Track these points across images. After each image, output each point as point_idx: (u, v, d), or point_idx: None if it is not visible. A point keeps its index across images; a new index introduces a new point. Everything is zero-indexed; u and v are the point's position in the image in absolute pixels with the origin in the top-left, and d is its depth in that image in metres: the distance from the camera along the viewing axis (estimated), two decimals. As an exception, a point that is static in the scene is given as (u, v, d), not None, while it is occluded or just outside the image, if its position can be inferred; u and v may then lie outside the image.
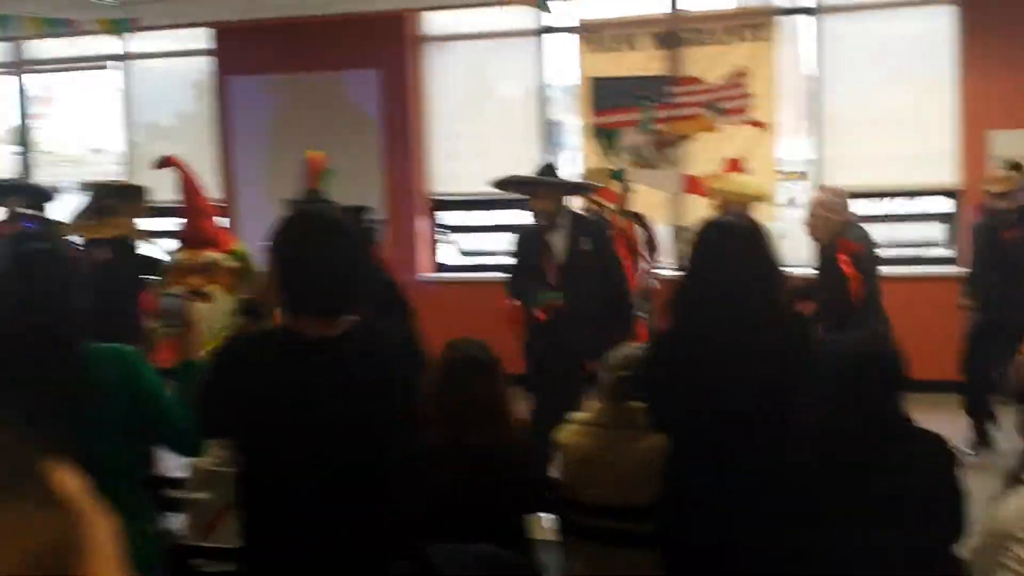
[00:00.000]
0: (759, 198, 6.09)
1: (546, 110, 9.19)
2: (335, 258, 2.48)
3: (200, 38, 9.71)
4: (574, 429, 3.64)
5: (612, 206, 7.13)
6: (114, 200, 5.94)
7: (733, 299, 3.16)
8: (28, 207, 6.52)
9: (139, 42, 9.76)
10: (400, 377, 2.58)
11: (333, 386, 2.43)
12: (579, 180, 7.70)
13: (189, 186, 5.33)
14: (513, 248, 6.29)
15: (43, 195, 6.92)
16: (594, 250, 5.94)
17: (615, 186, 7.37)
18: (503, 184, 6.41)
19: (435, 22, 9.35)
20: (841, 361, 3.30)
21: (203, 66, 9.85)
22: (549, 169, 6.30)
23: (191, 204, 5.24)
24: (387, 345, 2.61)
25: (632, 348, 3.67)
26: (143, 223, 6.15)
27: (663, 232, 8.26)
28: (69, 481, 0.56)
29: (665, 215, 8.55)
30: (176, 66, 10.17)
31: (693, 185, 8.46)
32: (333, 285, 2.48)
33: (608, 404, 3.57)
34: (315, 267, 2.47)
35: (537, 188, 6.04)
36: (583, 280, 5.81)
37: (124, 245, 5.90)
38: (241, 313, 3.15)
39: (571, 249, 5.86)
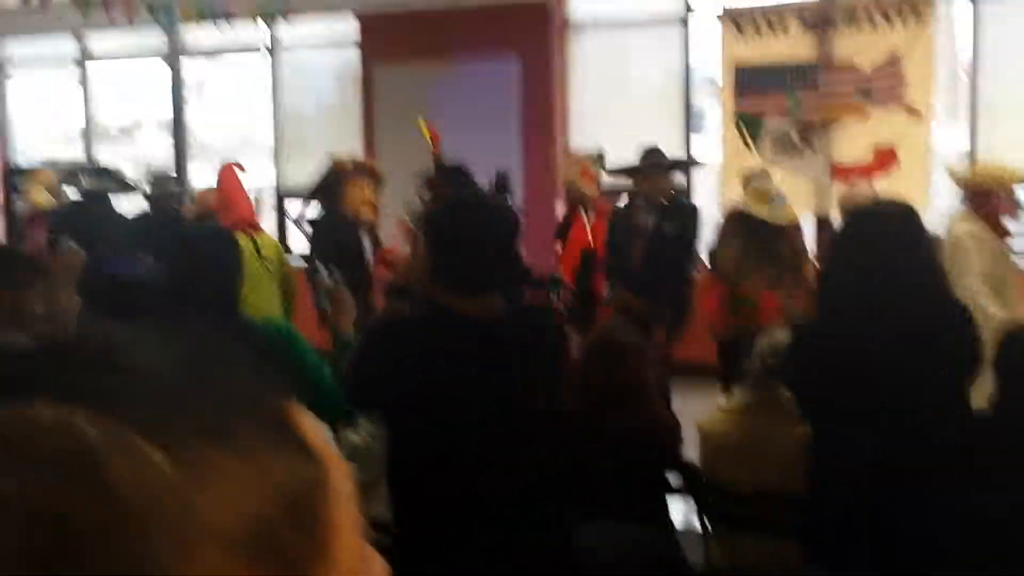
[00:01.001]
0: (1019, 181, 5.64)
1: (689, 97, 9.06)
2: (491, 239, 2.50)
3: (347, 29, 9.91)
4: (719, 416, 3.58)
5: (588, 188, 7.14)
6: None
7: (884, 287, 3.05)
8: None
9: (287, 32, 10.03)
10: (556, 359, 2.59)
11: (495, 364, 2.44)
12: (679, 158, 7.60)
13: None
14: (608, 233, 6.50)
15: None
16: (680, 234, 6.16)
17: (595, 170, 7.34)
18: (617, 171, 6.77)
19: (578, 8, 9.32)
20: (1001, 349, 3.16)
21: (349, 56, 10.06)
22: (655, 153, 6.48)
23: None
24: (544, 326, 2.62)
25: (781, 335, 3.58)
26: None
27: (806, 223, 8.04)
28: (310, 425, 0.57)
29: (810, 203, 8.32)
30: (322, 56, 10.43)
31: (841, 173, 8.20)
32: (489, 265, 2.49)
33: (755, 391, 3.50)
34: (473, 247, 2.49)
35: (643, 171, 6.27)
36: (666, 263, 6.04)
37: None
38: (390, 294, 3.19)
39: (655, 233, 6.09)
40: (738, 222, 5.78)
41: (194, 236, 3.25)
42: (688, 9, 8.86)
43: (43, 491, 0.47)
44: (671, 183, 6.58)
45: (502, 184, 6.06)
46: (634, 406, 3.33)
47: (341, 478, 0.57)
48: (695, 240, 6.40)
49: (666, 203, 6.33)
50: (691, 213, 6.45)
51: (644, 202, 6.33)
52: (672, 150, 8.90)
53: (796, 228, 5.64)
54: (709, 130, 9.37)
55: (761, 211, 5.20)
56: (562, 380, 2.68)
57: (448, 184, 5.06)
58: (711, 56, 8.98)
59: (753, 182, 5.90)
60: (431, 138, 5.78)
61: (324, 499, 0.54)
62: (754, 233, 5.51)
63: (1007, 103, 8.09)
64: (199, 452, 0.50)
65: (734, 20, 8.59)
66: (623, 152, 9.12)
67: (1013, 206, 5.43)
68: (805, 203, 8.22)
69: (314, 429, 0.56)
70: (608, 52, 9.37)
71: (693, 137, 9.07)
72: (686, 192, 7.23)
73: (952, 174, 5.96)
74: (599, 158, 7.35)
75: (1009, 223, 5.45)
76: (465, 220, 2.55)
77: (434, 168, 5.73)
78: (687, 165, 7.23)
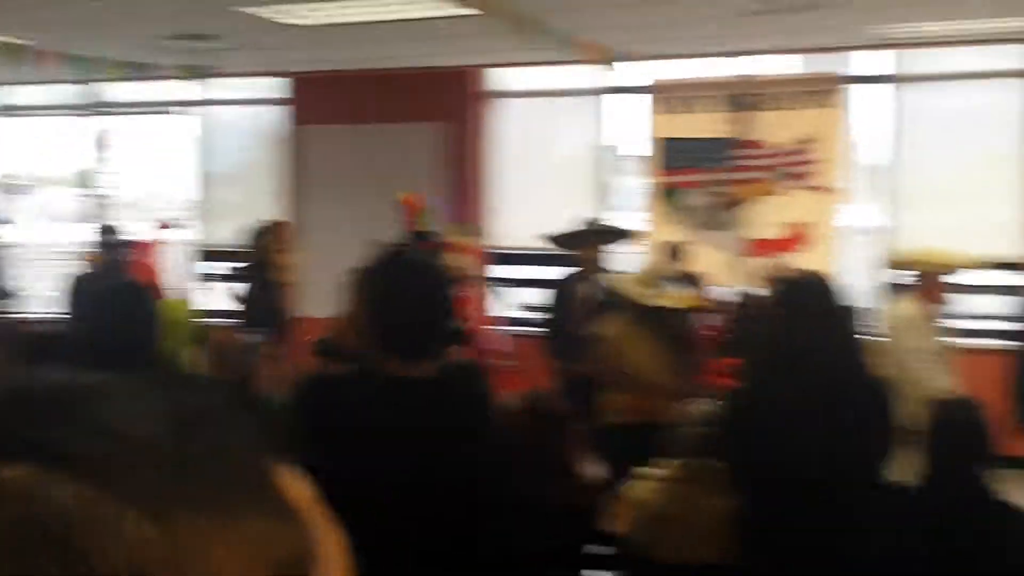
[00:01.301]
0: (961, 265, 5.97)
1: (605, 169, 9.23)
2: (429, 299, 2.47)
3: (274, 87, 9.88)
4: (648, 485, 3.58)
5: (466, 259, 7.27)
6: None
7: (811, 359, 3.11)
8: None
9: (213, 90, 9.96)
10: (482, 423, 2.56)
11: (427, 427, 2.41)
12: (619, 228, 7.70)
13: None
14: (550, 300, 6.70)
15: None
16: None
17: (468, 241, 7.43)
18: (557, 239, 6.90)
19: (501, 79, 9.46)
20: (931, 423, 3.23)
21: (275, 115, 10.02)
22: (594, 224, 6.81)
23: None
24: (479, 389, 2.59)
25: (711, 404, 3.61)
26: None
27: (724, 293, 8.20)
28: (300, 489, 0.55)
29: (726, 276, 8.50)
30: (247, 115, 10.36)
31: (756, 248, 8.41)
32: (426, 326, 2.47)
33: (686, 460, 3.51)
34: (406, 308, 2.46)
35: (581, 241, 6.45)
36: None
37: None
38: (318, 353, 3.14)
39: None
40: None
41: (108, 290, 3.15)
42: (609, 83, 9.04)
43: (5, 559, 0.44)
44: (609, 254, 6.75)
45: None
46: (556, 477, 3.31)
47: (332, 544, 0.55)
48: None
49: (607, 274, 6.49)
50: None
51: (585, 273, 6.50)
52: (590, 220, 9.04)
53: (689, 311, 5.61)
54: (630, 202, 9.53)
55: (645, 297, 5.19)
56: (491, 443, 2.65)
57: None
58: (635, 129, 9.17)
59: (646, 268, 5.77)
60: (410, 210, 5.84)
61: (314, 567, 0.52)
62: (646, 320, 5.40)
63: (918, 184, 8.41)
64: (186, 520, 0.48)
65: (657, 95, 8.81)
66: (546, 220, 9.25)
67: (947, 289, 5.75)
68: (724, 276, 8.41)
69: (302, 493, 0.54)
70: (531, 121, 9.51)
71: (614, 209, 9.20)
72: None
73: (897, 258, 6.26)
74: (472, 228, 7.41)
75: (944, 303, 5.77)
76: (399, 279, 2.52)
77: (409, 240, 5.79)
78: (625, 236, 7.34)
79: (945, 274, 5.75)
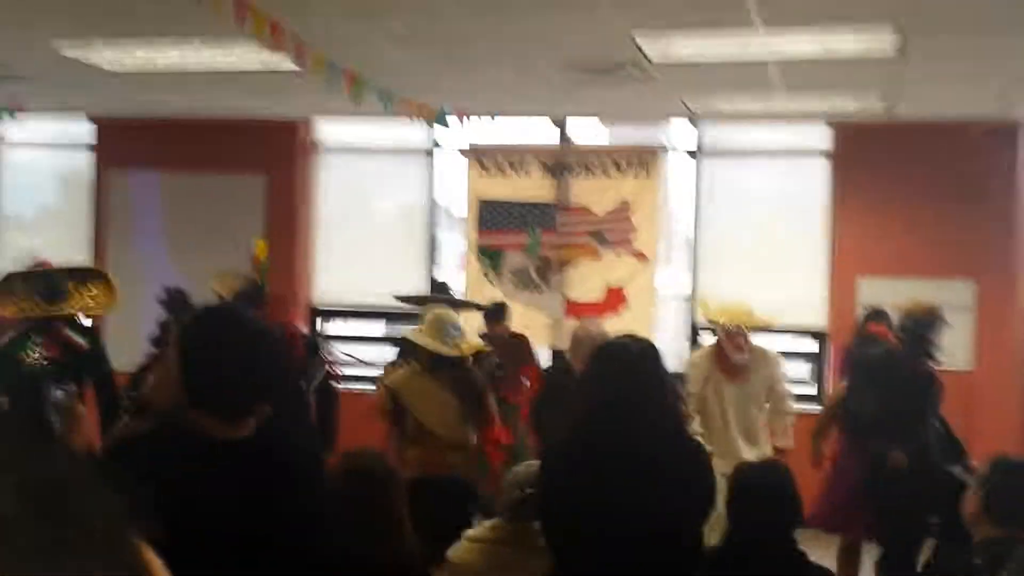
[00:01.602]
0: (758, 322, 6.31)
1: (432, 226, 9.25)
2: (246, 358, 2.37)
3: (78, 132, 9.46)
4: (468, 546, 3.54)
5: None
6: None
7: (625, 419, 3.16)
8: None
9: (13, 130, 9.47)
10: (304, 483, 2.46)
11: (237, 491, 2.29)
12: (467, 299, 7.84)
13: None
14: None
15: None
16: None
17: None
18: (404, 299, 7.15)
19: (327, 132, 9.37)
20: (735, 486, 3.32)
21: (77, 160, 9.58)
22: (443, 287, 6.63)
23: None
24: (292, 450, 2.49)
25: (534, 465, 3.61)
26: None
27: (542, 354, 8.31)
28: (157, 563, 0.53)
29: (546, 337, 8.62)
30: (46, 157, 9.88)
31: (574, 310, 8.58)
32: (242, 385, 2.36)
33: (506, 521, 3.49)
34: (225, 366, 2.35)
35: (428, 303, 6.36)
36: None
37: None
38: (128, 410, 2.97)
39: None
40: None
41: None
42: (434, 142, 9.10)
43: None
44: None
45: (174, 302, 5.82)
46: (383, 537, 3.22)
47: None
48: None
49: None
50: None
51: None
52: (414, 277, 9.03)
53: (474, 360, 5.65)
54: (450, 261, 9.58)
55: (436, 346, 5.19)
56: (312, 504, 2.55)
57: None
58: (455, 188, 9.25)
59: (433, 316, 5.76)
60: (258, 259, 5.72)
61: None
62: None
63: (724, 252, 8.79)
64: None
65: (478, 156, 8.91)
66: (371, 276, 9.17)
67: (743, 342, 6.20)
68: (542, 336, 8.52)
69: (160, 568, 0.52)
70: (355, 176, 9.45)
71: (434, 267, 9.22)
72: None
73: (704, 311, 6.63)
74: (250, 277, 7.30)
75: (737, 355, 6.18)
76: (218, 337, 2.41)
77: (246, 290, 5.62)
78: (474, 308, 7.52)
79: (739, 329, 6.15)
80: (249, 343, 2.37)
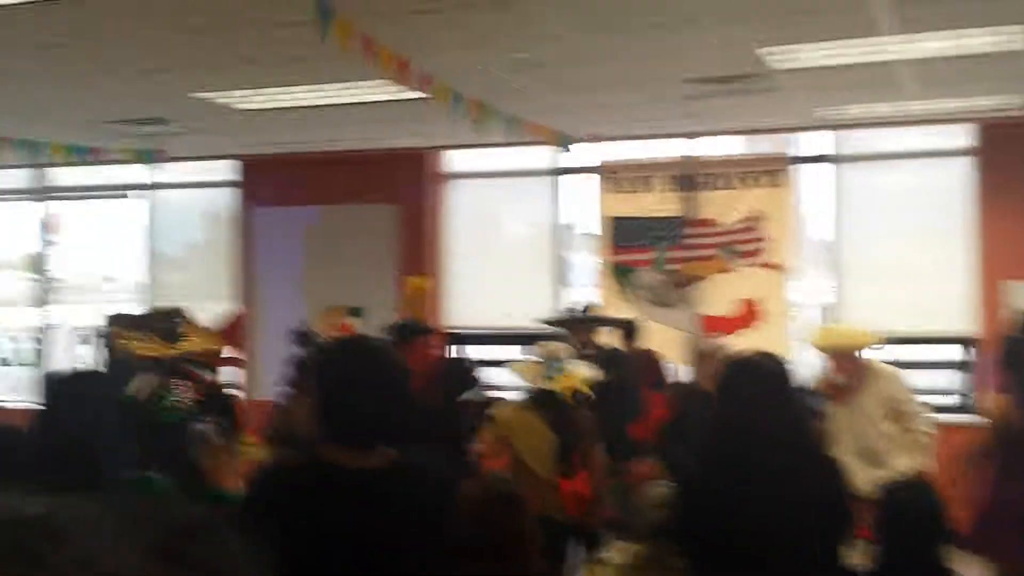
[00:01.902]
0: (866, 343, 6.09)
1: (560, 247, 9.29)
2: (377, 389, 2.43)
3: (223, 170, 9.86)
4: (605, 570, 3.54)
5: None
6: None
7: (761, 441, 3.11)
8: None
9: (163, 172, 9.93)
10: (438, 513, 2.51)
11: (370, 520, 2.36)
12: (614, 317, 7.84)
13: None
14: None
15: None
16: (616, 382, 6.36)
17: (353, 322, 7.31)
18: (550, 322, 7.33)
19: (454, 160, 9.53)
20: (881, 507, 3.23)
21: (224, 197, 9.99)
22: (586, 308, 7.18)
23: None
24: (427, 479, 2.54)
25: (665, 487, 3.59)
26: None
27: (675, 371, 8.22)
28: None
29: (679, 354, 8.52)
30: (196, 196, 10.33)
31: (708, 325, 8.45)
32: (376, 417, 2.42)
33: (644, 544, 3.48)
34: (356, 398, 2.41)
35: (575, 324, 6.81)
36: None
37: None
38: (269, 441, 3.07)
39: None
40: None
41: (62, 380, 3.09)
42: (560, 163, 9.15)
43: None
44: (594, 335, 6.99)
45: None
46: (513, 561, 3.24)
47: None
48: (632, 388, 6.70)
49: (594, 353, 6.66)
50: (622, 362, 6.90)
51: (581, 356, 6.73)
52: (544, 298, 9.08)
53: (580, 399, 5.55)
54: (581, 280, 9.58)
55: (533, 379, 5.14)
56: (447, 532, 2.60)
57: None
58: (584, 208, 9.27)
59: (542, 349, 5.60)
60: (415, 296, 5.96)
61: None
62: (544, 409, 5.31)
63: (866, 260, 8.55)
64: None
65: (607, 175, 8.92)
66: (502, 299, 9.26)
67: (843, 363, 5.92)
68: (676, 353, 8.43)
69: None
70: (483, 201, 9.58)
71: (565, 287, 9.26)
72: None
73: (811, 339, 6.41)
74: (356, 310, 7.39)
75: (845, 381, 5.91)
76: (353, 369, 2.48)
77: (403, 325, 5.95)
78: (617, 323, 7.63)
79: (848, 353, 5.90)
80: (381, 375, 2.43)
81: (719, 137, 8.93)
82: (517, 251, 9.48)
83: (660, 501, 3.54)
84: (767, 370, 3.27)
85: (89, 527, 0.52)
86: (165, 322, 5.98)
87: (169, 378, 5.42)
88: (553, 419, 5.08)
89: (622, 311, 8.42)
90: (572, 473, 5.08)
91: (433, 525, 2.48)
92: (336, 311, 7.01)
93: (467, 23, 5.06)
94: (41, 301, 10.53)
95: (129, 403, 4.89)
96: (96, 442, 2.74)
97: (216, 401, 5.38)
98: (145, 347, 5.67)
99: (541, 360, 5.20)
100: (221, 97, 6.73)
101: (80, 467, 2.67)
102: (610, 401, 6.31)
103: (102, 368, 6.10)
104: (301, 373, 4.96)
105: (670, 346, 8.22)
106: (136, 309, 6.52)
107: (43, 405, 2.85)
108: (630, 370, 6.79)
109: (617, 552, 3.64)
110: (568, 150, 7.81)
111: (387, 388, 2.43)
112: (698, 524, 3.17)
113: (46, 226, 10.56)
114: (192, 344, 5.80)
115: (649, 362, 7.75)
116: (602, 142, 7.98)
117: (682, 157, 8.81)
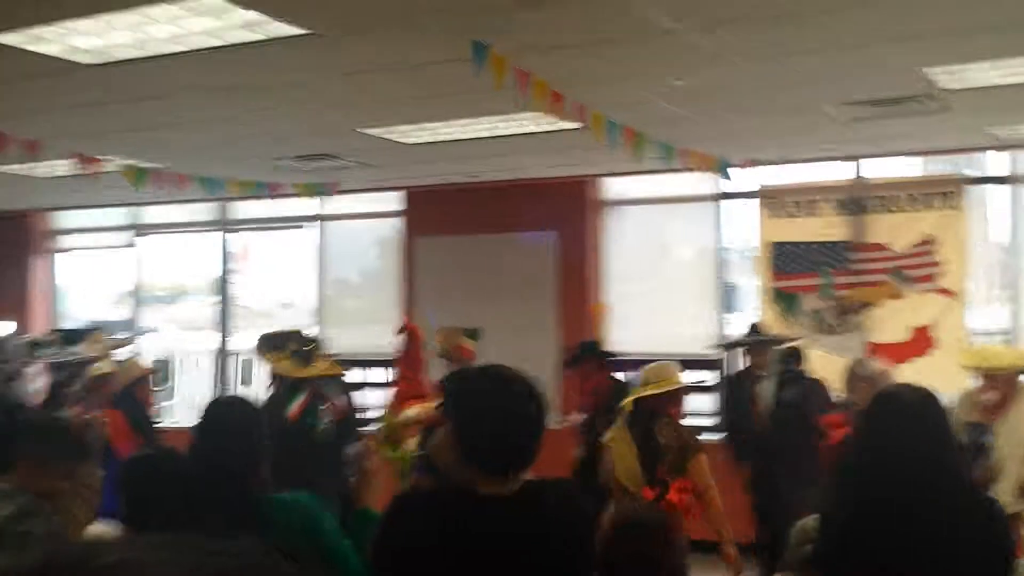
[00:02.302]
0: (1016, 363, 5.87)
1: (722, 273, 9.16)
2: (518, 417, 2.48)
3: (390, 200, 10.21)
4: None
5: (463, 358, 7.07)
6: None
7: (903, 472, 2.99)
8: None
9: (334, 203, 10.36)
10: (570, 538, 2.54)
11: (502, 545, 2.41)
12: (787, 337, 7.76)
13: (415, 348, 6.04)
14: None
15: None
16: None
17: (469, 343, 7.16)
18: (726, 345, 7.71)
19: (613, 187, 9.57)
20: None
21: (391, 226, 10.35)
22: (755, 329, 7.26)
23: (412, 363, 5.90)
24: (559, 504, 2.58)
25: (815, 520, 3.50)
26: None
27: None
28: None
29: (846, 383, 8.27)
30: (365, 226, 10.74)
31: (878, 353, 8.17)
32: (514, 444, 2.48)
33: (788, 578, 3.41)
34: (497, 426, 2.47)
35: (755, 346, 7.05)
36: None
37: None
38: (418, 469, 3.17)
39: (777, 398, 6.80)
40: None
41: (214, 405, 3.28)
42: (722, 188, 9.04)
43: None
44: (771, 355, 7.06)
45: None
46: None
47: None
48: (812, 408, 6.70)
49: (780, 373, 6.95)
50: (805, 382, 7.04)
51: (757, 375, 7.04)
52: (706, 324, 8.98)
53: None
54: (743, 306, 9.45)
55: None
56: (582, 562, 2.62)
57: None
58: (746, 234, 9.14)
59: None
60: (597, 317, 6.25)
61: None
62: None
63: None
64: None
65: (768, 199, 8.77)
66: (661, 326, 9.21)
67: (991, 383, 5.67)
68: (841, 381, 8.17)
69: None
70: (642, 228, 9.58)
71: (728, 313, 9.13)
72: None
73: (964, 360, 6.14)
74: (472, 332, 7.33)
75: (984, 395, 5.68)
76: (488, 396, 2.53)
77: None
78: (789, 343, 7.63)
79: (989, 371, 5.65)
80: (516, 403, 2.48)
81: (888, 159, 8.65)
82: (678, 277, 9.42)
83: (812, 532, 3.45)
84: (914, 400, 3.16)
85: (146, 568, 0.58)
86: (301, 343, 6.25)
87: (318, 399, 5.69)
88: (639, 433, 5.20)
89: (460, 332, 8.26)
90: (657, 484, 5.15)
91: (567, 552, 2.51)
92: (453, 332, 7.13)
93: (621, 55, 5.11)
94: (223, 326, 11.13)
95: (284, 424, 5.13)
96: (249, 462, 2.89)
97: (352, 423, 5.61)
98: (284, 367, 5.95)
99: (644, 376, 5.33)
100: (387, 133, 7.00)
101: (233, 488, 2.83)
102: (792, 422, 6.63)
103: (265, 388, 6.44)
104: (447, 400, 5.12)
105: (832, 375, 7.99)
106: (277, 329, 6.86)
107: (201, 427, 3.03)
108: (815, 391, 6.94)
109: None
110: (727, 176, 7.73)
111: (522, 417, 2.48)
112: (839, 558, 3.08)
113: (228, 255, 11.18)
114: (320, 368, 6.06)
115: (819, 387, 7.59)
116: (758, 167, 7.85)
117: (850, 180, 8.58)
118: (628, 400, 5.39)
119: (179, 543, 0.62)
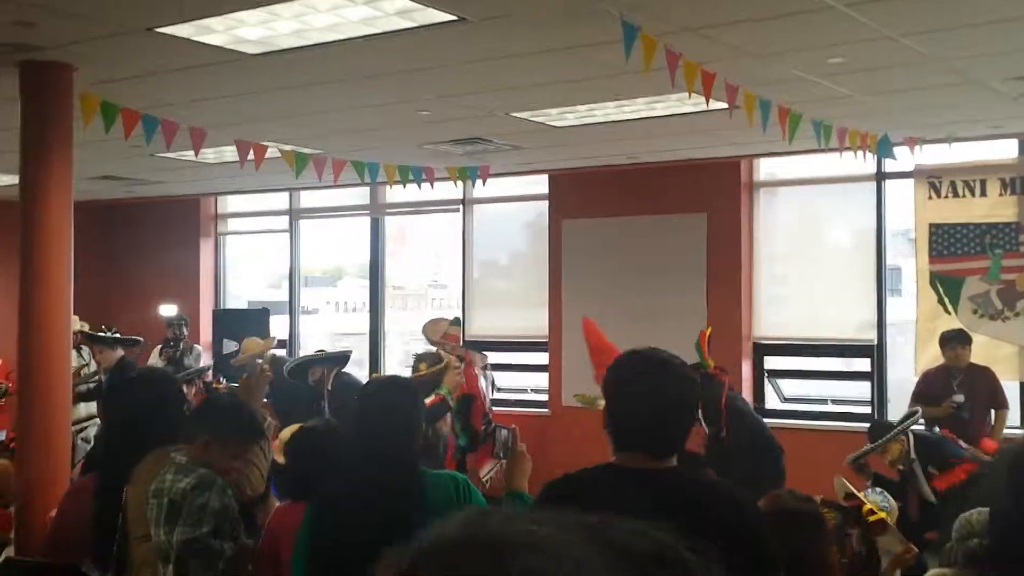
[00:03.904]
0: None
1: (881, 256, 8.84)
2: (667, 400, 2.47)
3: (535, 183, 10.26)
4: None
5: (453, 346, 7.66)
6: None
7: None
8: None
9: (480, 187, 10.49)
10: (722, 521, 2.51)
11: (659, 516, 2.41)
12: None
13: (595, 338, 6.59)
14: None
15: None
16: None
17: (454, 330, 7.94)
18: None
19: (765, 167, 9.37)
20: None
21: (536, 209, 10.40)
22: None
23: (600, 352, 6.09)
24: (710, 487, 2.56)
25: (981, 513, 3.39)
26: None
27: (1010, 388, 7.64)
28: None
29: (1013, 369, 7.91)
30: (510, 209, 10.83)
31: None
32: (657, 422, 2.48)
33: (960, 571, 3.31)
34: (648, 408, 2.47)
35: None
36: None
37: None
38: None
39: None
40: None
41: (373, 386, 3.40)
42: (881, 168, 8.73)
43: None
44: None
45: None
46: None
47: None
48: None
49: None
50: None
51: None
52: (863, 308, 8.73)
53: None
54: (903, 290, 9.13)
55: None
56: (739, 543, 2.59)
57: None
58: (903, 215, 8.81)
59: None
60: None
61: None
62: None
63: None
64: None
65: (928, 180, 8.43)
66: (814, 310, 8.99)
67: None
68: (1007, 369, 7.83)
69: None
70: (796, 209, 9.36)
71: (887, 296, 8.83)
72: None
73: None
74: (455, 320, 8.18)
75: None
76: (640, 378, 2.52)
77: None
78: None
79: None
80: (657, 378, 2.48)
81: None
82: (833, 259, 9.16)
83: (979, 526, 3.34)
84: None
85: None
86: None
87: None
88: None
89: (939, 324, 7.95)
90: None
91: (719, 536, 2.49)
92: (440, 322, 7.82)
93: (776, 33, 5.00)
94: (376, 307, 11.42)
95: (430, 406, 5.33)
96: (407, 440, 2.97)
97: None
98: None
99: None
100: (537, 116, 7.04)
101: (392, 464, 2.92)
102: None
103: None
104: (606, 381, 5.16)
105: (996, 362, 7.66)
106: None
107: (361, 406, 3.13)
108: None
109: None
110: (887, 155, 7.46)
111: (672, 399, 2.47)
112: (1008, 553, 2.97)
113: (380, 238, 11.45)
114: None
115: (990, 380, 7.32)
116: (921, 145, 7.55)
117: (1017, 158, 8.17)
118: None
119: (587, 524, 0.64)
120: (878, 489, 4.98)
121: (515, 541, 0.59)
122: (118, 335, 8.50)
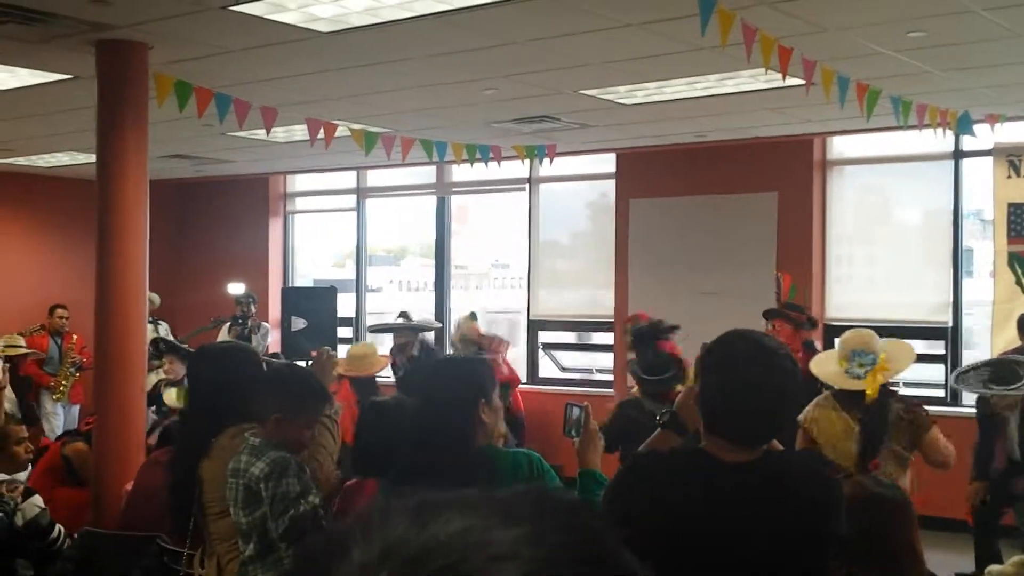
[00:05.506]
0: None
1: (957, 236, 8.62)
2: (763, 386, 2.40)
3: (600, 162, 10.18)
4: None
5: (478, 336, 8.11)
6: None
7: None
8: None
9: (545, 166, 10.43)
10: (814, 509, 2.46)
11: (742, 512, 2.37)
12: None
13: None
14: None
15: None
16: None
17: (476, 324, 8.55)
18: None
19: (837, 146, 9.19)
20: None
21: (600, 189, 10.32)
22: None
23: None
24: (803, 476, 2.50)
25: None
26: None
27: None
28: None
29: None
30: (575, 188, 10.76)
31: None
32: (758, 414, 2.41)
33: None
34: (737, 390, 2.41)
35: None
36: None
37: None
38: (663, 425, 3.14)
39: None
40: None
41: (443, 364, 3.38)
42: (959, 146, 8.50)
43: None
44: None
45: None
46: (902, 566, 3.10)
47: None
48: None
49: None
50: None
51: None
52: (938, 290, 8.53)
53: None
54: (977, 271, 8.91)
55: (830, 375, 4.79)
56: (824, 535, 2.53)
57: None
58: (979, 194, 8.58)
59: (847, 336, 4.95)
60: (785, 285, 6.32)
61: None
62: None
63: None
64: None
65: (1006, 158, 8.19)
66: (887, 292, 8.81)
67: None
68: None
69: None
70: (869, 188, 9.18)
71: (962, 277, 8.62)
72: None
73: None
74: (472, 315, 8.86)
75: None
76: (738, 364, 2.44)
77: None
78: None
79: None
80: (763, 368, 2.40)
81: None
82: (906, 239, 8.97)
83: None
84: None
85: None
86: None
87: None
88: (861, 413, 4.82)
89: (1017, 306, 7.73)
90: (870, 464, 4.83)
91: (810, 524, 2.43)
92: (469, 321, 8.40)
93: (857, 5, 4.88)
94: (441, 286, 11.44)
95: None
96: (472, 416, 2.94)
97: None
98: None
99: (843, 350, 4.90)
100: (606, 93, 6.97)
101: (461, 440, 2.90)
102: None
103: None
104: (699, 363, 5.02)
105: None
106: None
107: (428, 382, 3.12)
108: None
109: (1008, 565, 3.38)
110: (967, 132, 7.26)
111: (766, 386, 2.40)
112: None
113: (445, 217, 11.46)
114: None
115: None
116: (1002, 123, 7.33)
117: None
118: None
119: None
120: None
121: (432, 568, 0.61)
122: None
